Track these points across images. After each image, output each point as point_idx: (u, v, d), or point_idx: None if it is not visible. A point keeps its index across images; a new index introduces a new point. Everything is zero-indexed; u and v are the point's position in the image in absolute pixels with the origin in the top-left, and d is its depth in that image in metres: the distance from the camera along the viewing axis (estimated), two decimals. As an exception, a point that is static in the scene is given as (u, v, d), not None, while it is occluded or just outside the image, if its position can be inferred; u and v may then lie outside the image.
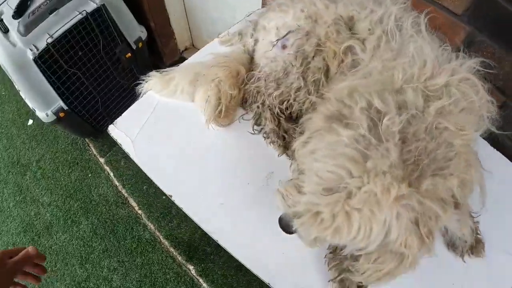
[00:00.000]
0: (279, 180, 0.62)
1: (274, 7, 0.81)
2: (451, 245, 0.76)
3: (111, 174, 1.86)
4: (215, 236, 0.71)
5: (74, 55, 1.44)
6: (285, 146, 0.79)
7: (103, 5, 1.45)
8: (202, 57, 0.93)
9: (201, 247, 1.68)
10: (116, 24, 1.56)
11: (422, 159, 0.48)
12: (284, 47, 0.75)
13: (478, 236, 0.77)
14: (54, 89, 1.44)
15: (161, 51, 2.15)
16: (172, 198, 0.75)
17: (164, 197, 1.75)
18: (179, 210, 1.82)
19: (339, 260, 0.64)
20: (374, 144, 0.47)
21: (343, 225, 0.46)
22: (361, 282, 0.64)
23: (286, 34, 0.73)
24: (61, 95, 1.48)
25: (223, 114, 0.80)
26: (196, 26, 2.21)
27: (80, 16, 1.38)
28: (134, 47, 1.73)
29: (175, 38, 2.20)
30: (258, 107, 0.82)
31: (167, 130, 0.85)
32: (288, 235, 0.58)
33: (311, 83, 0.71)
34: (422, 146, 0.48)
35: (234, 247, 0.71)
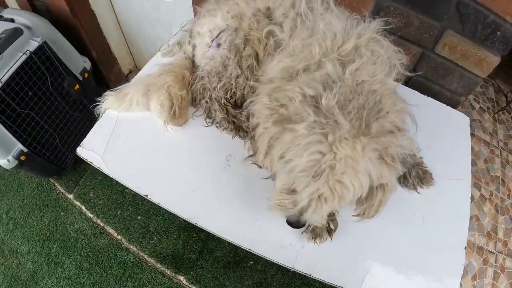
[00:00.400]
0: (239, 160, 0.73)
1: (204, 13, 0.93)
2: (403, 182, 0.92)
3: (83, 207, 1.86)
4: (193, 220, 0.80)
5: (25, 96, 1.46)
6: (237, 129, 0.91)
7: (45, 42, 1.49)
8: (149, 70, 1.02)
9: (186, 255, 1.74)
10: (60, 58, 1.60)
11: (361, 113, 0.61)
12: (218, 45, 0.88)
13: (425, 168, 0.94)
14: (11, 133, 1.44)
15: (107, 78, 2.20)
16: (149, 197, 0.83)
17: (139, 217, 1.82)
18: (156, 226, 1.90)
19: None
20: (324, 122, 0.59)
21: (342, 191, 0.58)
22: (330, 227, 0.76)
23: (219, 34, 0.86)
24: (19, 138, 1.48)
25: (177, 114, 0.90)
26: (136, 48, 2.28)
27: (24, 57, 1.41)
28: (80, 78, 1.78)
29: (118, 63, 2.27)
30: (206, 102, 0.93)
31: (130, 140, 0.93)
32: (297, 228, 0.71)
33: (246, 69, 0.84)
34: (355, 104, 0.62)
35: (212, 226, 0.80)
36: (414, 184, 0.91)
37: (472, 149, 2.62)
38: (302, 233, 0.77)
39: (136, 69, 2.46)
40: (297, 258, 0.76)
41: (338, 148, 0.57)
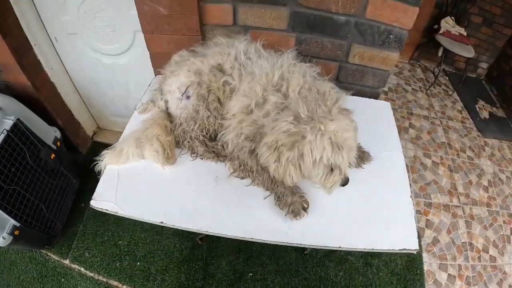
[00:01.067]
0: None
1: (169, 75, 1.26)
2: None
3: (82, 269, 2.00)
4: (204, 229, 1.08)
5: (8, 172, 1.63)
6: (217, 156, 1.22)
7: (18, 119, 1.68)
8: (134, 127, 1.30)
9: (191, 286, 1.96)
10: (34, 132, 1.80)
11: (319, 104, 0.96)
12: (188, 97, 1.20)
13: (363, 149, 1.31)
14: (2, 210, 1.58)
15: (74, 142, 2.42)
16: (164, 223, 1.09)
17: (138, 263, 2.02)
18: (157, 267, 2.14)
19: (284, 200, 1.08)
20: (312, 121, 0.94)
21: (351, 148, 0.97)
22: (303, 205, 1.08)
23: (186, 89, 1.18)
24: (10, 214, 1.62)
25: (170, 156, 1.19)
26: (97, 110, 2.53)
27: (2, 136, 1.58)
28: (54, 147, 1.97)
29: (82, 127, 2.50)
30: (188, 141, 1.24)
31: (134, 184, 1.18)
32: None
33: (213, 110, 1.18)
34: (312, 103, 0.96)
35: (219, 230, 1.08)
36: (358, 163, 1.27)
37: (414, 126, 3.18)
38: (285, 215, 1.08)
39: (99, 129, 2.70)
40: (287, 235, 1.06)
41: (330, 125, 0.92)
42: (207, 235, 2.11)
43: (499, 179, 2.99)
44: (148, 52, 1.93)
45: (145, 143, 1.18)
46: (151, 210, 1.12)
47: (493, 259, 2.44)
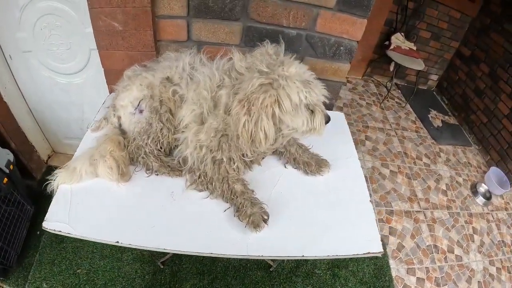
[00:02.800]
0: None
1: (122, 90, 1.22)
2: (310, 172, 1.28)
3: (39, 302, 1.84)
4: (161, 247, 1.01)
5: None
6: (173, 170, 1.19)
7: (-34, 140, 1.55)
8: (87, 146, 1.24)
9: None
10: (-16, 154, 1.66)
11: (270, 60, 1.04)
12: (141, 111, 1.17)
13: (321, 157, 1.32)
14: None
15: (28, 167, 2.27)
16: (119, 243, 1.02)
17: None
18: None
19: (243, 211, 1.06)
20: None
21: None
22: (263, 217, 1.06)
23: (139, 103, 1.15)
24: None
25: (123, 173, 1.14)
26: (51, 133, 2.41)
27: None
28: (7, 171, 1.83)
29: (36, 151, 2.36)
30: (142, 157, 1.19)
31: (88, 203, 1.11)
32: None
33: (166, 121, 1.16)
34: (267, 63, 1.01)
35: (177, 248, 1.02)
36: (316, 171, 1.29)
37: (371, 138, 3.32)
38: (245, 227, 1.05)
39: (54, 153, 2.57)
40: (248, 248, 1.03)
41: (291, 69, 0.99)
42: (170, 258, 2.05)
43: (457, 182, 3.16)
44: (102, 72, 1.91)
45: (98, 160, 1.12)
46: (105, 229, 1.05)
47: (459, 258, 2.53)
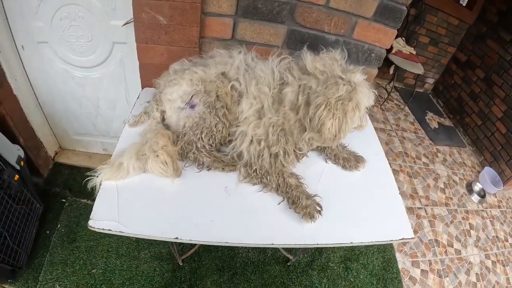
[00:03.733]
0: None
1: (168, 84, 1.23)
2: (349, 167, 1.35)
3: (53, 302, 1.80)
4: (224, 241, 1.03)
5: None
6: (227, 165, 1.20)
7: (-21, 134, 1.49)
8: (131, 141, 1.22)
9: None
10: (-4, 150, 1.61)
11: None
12: (192, 106, 1.18)
13: (357, 154, 1.40)
14: None
15: (36, 163, 2.21)
16: (179, 239, 1.02)
17: None
18: None
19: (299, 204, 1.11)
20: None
21: None
22: (317, 208, 1.11)
23: (191, 97, 1.17)
24: None
25: (177, 168, 1.16)
26: (60, 129, 2.35)
27: None
28: (18, 167, 1.78)
29: (44, 147, 2.30)
30: (193, 153, 1.20)
31: (137, 200, 1.10)
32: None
33: (222, 116, 1.18)
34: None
35: (238, 241, 1.06)
36: (354, 167, 1.36)
37: (374, 137, 3.43)
38: (302, 218, 1.10)
39: (61, 149, 2.50)
40: (304, 237, 1.08)
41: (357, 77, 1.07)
42: (189, 256, 2.06)
43: (453, 181, 3.34)
44: (124, 67, 1.91)
45: (149, 156, 1.12)
46: (161, 226, 1.05)
47: (458, 252, 2.69)
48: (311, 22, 1.41)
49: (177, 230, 1.04)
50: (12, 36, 1.80)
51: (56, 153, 2.46)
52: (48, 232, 2.06)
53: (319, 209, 1.12)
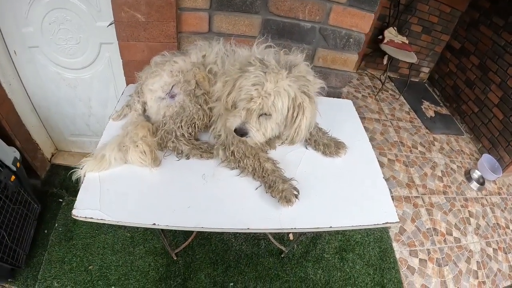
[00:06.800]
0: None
1: (150, 75, 1.29)
2: (329, 153, 1.38)
3: (51, 300, 1.86)
4: (199, 226, 1.07)
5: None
6: (205, 152, 1.26)
7: (-26, 137, 1.56)
8: (114, 134, 1.29)
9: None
10: (-9, 151, 1.68)
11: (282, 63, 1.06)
12: (172, 96, 1.24)
13: (338, 140, 1.42)
14: None
15: (33, 166, 2.29)
16: (156, 225, 1.07)
17: (113, 287, 1.93)
18: None
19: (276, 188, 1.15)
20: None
21: (272, 101, 1.01)
22: (294, 192, 1.14)
23: (172, 88, 1.22)
24: None
25: (156, 157, 1.21)
26: (55, 130, 2.43)
27: None
28: (14, 169, 1.85)
29: (40, 149, 2.38)
30: (172, 141, 1.25)
31: (119, 189, 1.15)
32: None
33: (203, 103, 1.24)
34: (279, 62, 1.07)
35: (214, 226, 1.09)
36: (335, 153, 1.39)
37: (368, 128, 3.47)
38: (278, 202, 1.13)
39: (58, 151, 2.58)
40: (281, 222, 1.11)
41: (268, 78, 1.00)
42: (183, 250, 2.11)
43: (451, 169, 3.34)
44: (112, 66, 1.96)
45: (129, 146, 1.18)
46: (140, 213, 1.09)
47: (457, 240, 2.69)
48: (285, 11, 1.46)
49: (154, 216, 1.09)
50: (4, 42, 1.88)
51: (52, 155, 2.54)
52: (46, 231, 2.13)
53: (295, 193, 1.15)
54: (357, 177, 1.34)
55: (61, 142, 2.52)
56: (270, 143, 1.28)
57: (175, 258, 2.08)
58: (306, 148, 1.41)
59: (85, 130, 2.41)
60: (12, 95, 2.01)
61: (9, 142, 1.95)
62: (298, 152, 1.38)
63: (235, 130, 1.08)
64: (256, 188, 1.20)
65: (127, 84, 1.62)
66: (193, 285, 1.99)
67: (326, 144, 1.38)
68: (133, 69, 1.51)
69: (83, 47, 1.89)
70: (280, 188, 1.14)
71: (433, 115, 4.04)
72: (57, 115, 2.30)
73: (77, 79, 2.06)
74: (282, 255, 2.20)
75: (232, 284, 2.04)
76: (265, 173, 1.18)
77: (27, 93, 2.14)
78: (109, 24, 1.71)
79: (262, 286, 2.06)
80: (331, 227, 1.15)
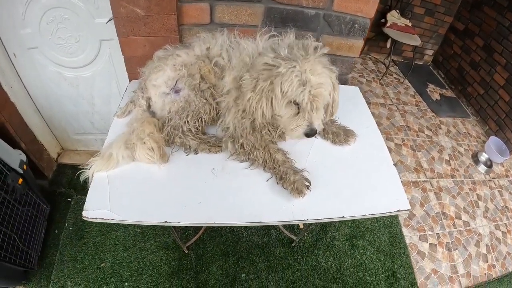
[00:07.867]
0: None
1: (153, 71, 1.26)
2: (338, 142, 1.37)
3: (66, 298, 1.88)
4: (211, 221, 1.06)
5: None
6: (213, 145, 1.24)
7: (-20, 143, 1.56)
8: (120, 132, 1.27)
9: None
10: (-1, 156, 1.68)
11: (300, 50, 1.05)
12: (177, 91, 1.21)
13: (347, 128, 1.40)
14: None
15: (40, 166, 2.29)
16: (168, 223, 1.06)
17: (126, 283, 1.99)
18: (146, 284, 2.22)
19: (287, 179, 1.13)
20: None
21: (322, 92, 1.04)
22: (306, 183, 1.13)
23: (176, 82, 1.20)
24: None
25: (164, 154, 1.20)
26: (60, 130, 2.43)
27: None
28: (21, 171, 1.85)
29: (46, 149, 2.38)
30: (179, 137, 1.24)
31: (128, 188, 1.14)
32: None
33: (209, 97, 1.21)
34: (294, 52, 1.05)
35: (225, 220, 1.08)
36: (344, 141, 1.37)
37: (374, 113, 3.42)
38: (290, 193, 1.12)
39: (64, 151, 2.58)
40: (293, 213, 1.10)
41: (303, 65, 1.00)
42: (194, 243, 2.11)
43: (458, 152, 3.31)
44: (114, 62, 1.94)
45: (136, 143, 1.16)
46: (151, 211, 1.08)
47: (466, 224, 2.68)
48: (288, -2, 1.42)
49: (165, 214, 1.08)
50: (3, 45, 1.86)
51: (58, 155, 2.54)
52: (56, 231, 2.14)
53: (307, 184, 1.14)
54: (367, 165, 1.32)
55: (66, 141, 2.52)
56: (281, 135, 1.26)
57: (187, 252, 2.09)
58: (316, 137, 1.39)
59: (90, 128, 2.40)
60: (15, 98, 2.00)
61: (14, 145, 1.96)
62: (307, 142, 1.36)
63: (306, 135, 1.09)
64: (267, 180, 1.19)
65: (130, 80, 1.60)
66: (205, 278, 2.00)
67: (335, 132, 1.36)
68: (135, 65, 1.49)
69: (83, 45, 1.86)
70: (291, 179, 1.13)
71: (438, 98, 3.99)
72: (61, 115, 2.29)
73: (78, 78, 2.04)
74: (293, 244, 2.21)
75: (244, 275, 2.05)
76: (276, 165, 1.16)
77: (29, 95, 2.12)
78: (108, 21, 1.68)
79: (274, 276, 2.06)
80: (343, 216, 1.13)
